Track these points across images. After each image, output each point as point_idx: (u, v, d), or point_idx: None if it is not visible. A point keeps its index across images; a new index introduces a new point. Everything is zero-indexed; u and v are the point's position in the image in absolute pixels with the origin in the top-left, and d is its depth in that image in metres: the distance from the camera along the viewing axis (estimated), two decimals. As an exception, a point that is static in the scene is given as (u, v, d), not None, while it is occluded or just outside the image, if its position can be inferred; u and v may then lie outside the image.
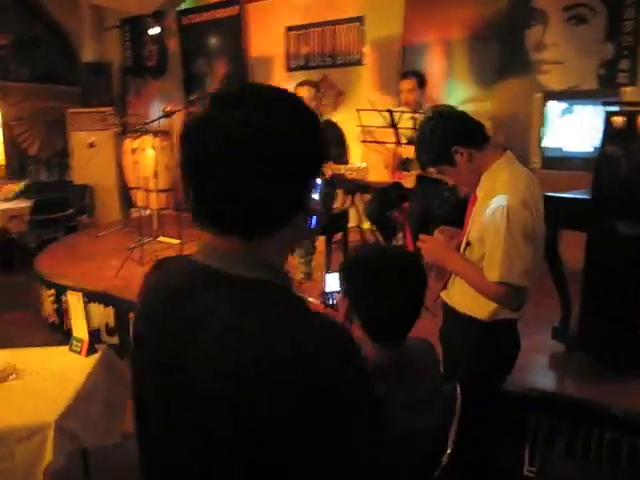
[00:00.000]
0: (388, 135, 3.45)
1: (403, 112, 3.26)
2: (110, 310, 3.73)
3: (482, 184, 1.76)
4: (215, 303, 0.71)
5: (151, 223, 5.34)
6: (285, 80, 5.66)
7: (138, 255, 4.37)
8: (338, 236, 4.39)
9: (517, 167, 1.76)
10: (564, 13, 4.27)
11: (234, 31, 6.10)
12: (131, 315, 3.53)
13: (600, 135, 2.54)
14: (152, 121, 4.75)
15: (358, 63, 5.45)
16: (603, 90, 4.11)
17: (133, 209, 5.98)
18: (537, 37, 4.38)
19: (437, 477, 1.36)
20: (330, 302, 1.67)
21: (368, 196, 4.28)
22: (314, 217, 1.09)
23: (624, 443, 2.20)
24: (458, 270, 1.81)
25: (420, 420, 1.31)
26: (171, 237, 4.82)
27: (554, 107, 4.14)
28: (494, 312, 1.77)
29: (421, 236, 1.84)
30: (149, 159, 5.22)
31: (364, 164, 3.34)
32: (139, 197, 5.60)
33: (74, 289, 2.94)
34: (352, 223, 4.63)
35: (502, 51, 4.55)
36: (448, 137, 1.73)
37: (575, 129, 4.08)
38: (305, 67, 5.74)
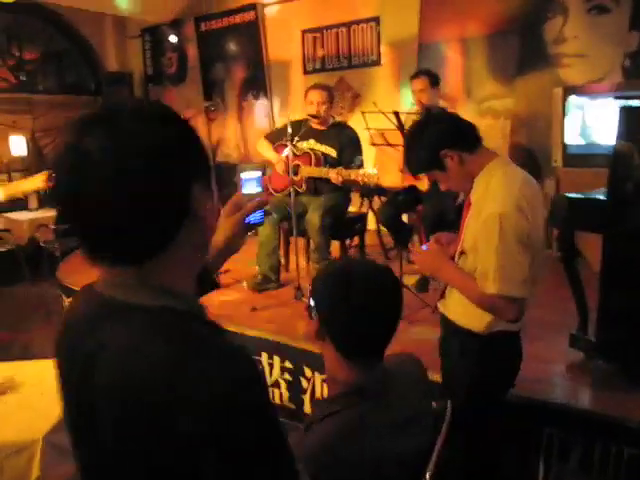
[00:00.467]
0: (399, 138, 3.37)
1: (409, 113, 3.17)
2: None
3: (475, 188, 1.67)
4: (109, 338, 0.69)
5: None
6: (302, 83, 5.64)
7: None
8: (356, 240, 4.34)
9: (511, 168, 1.66)
10: (585, 3, 4.09)
11: (251, 36, 6.10)
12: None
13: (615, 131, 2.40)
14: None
15: (375, 64, 5.38)
16: (628, 83, 3.93)
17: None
18: (557, 30, 4.21)
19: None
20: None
21: (385, 199, 4.20)
22: (259, 210, 1.10)
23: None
24: (452, 282, 1.73)
25: (401, 443, 1.24)
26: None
27: (576, 102, 3.97)
28: (491, 324, 1.68)
29: (413, 248, 1.77)
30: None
31: (375, 170, 3.26)
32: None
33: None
34: (371, 226, 4.57)
35: (521, 46, 4.40)
36: (437, 141, 1.64)
37: (598, 124, 3.91)
38: (322, 69, 5.70)
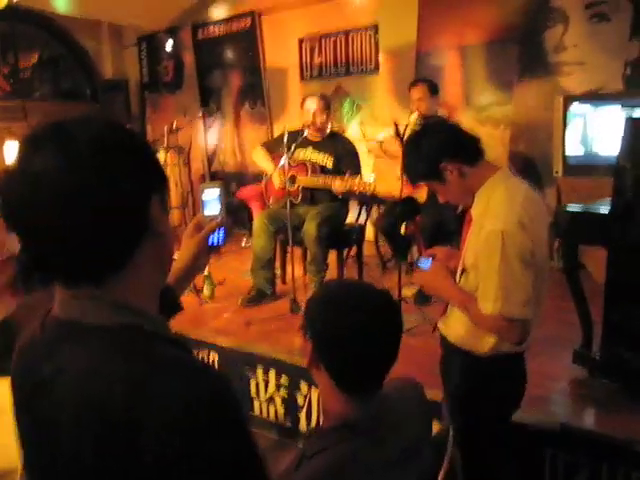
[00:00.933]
0: (397, 146, 3.30)
1: (407, 125, 3.11)
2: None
3: (476, 202, 1.60)
4: (67, 362, 0.67)
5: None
6: (299, 90, 5.58)
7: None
8: (353, 251, 4.26)
9: (513, 182, 1.59)
10: (586, 12, 4.04)
11: (248, 43, 6.05)
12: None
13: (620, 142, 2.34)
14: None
15: (373, 72, 5.32)
16: (629, 91, 3.87)
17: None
18: (557, 38, 4.15)
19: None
20: None
21: (384, 208, 4.13)
22: (221, 229, 1.08)
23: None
24: (454, 301, 1.66)
25: (396, 479, 1.16)
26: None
27: (576, 110, 3.91)
28: (495, 346, 1.60)
29: (416, 268, 1.70)
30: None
31: (371, 179, 3.19)
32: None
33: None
34: (369, 237, 4.49)
35: (520, 54, 4.34)
36: (436, 152, 1.57)
37: (599, 133, 3.84)
38: (319, 77, 5.64)
